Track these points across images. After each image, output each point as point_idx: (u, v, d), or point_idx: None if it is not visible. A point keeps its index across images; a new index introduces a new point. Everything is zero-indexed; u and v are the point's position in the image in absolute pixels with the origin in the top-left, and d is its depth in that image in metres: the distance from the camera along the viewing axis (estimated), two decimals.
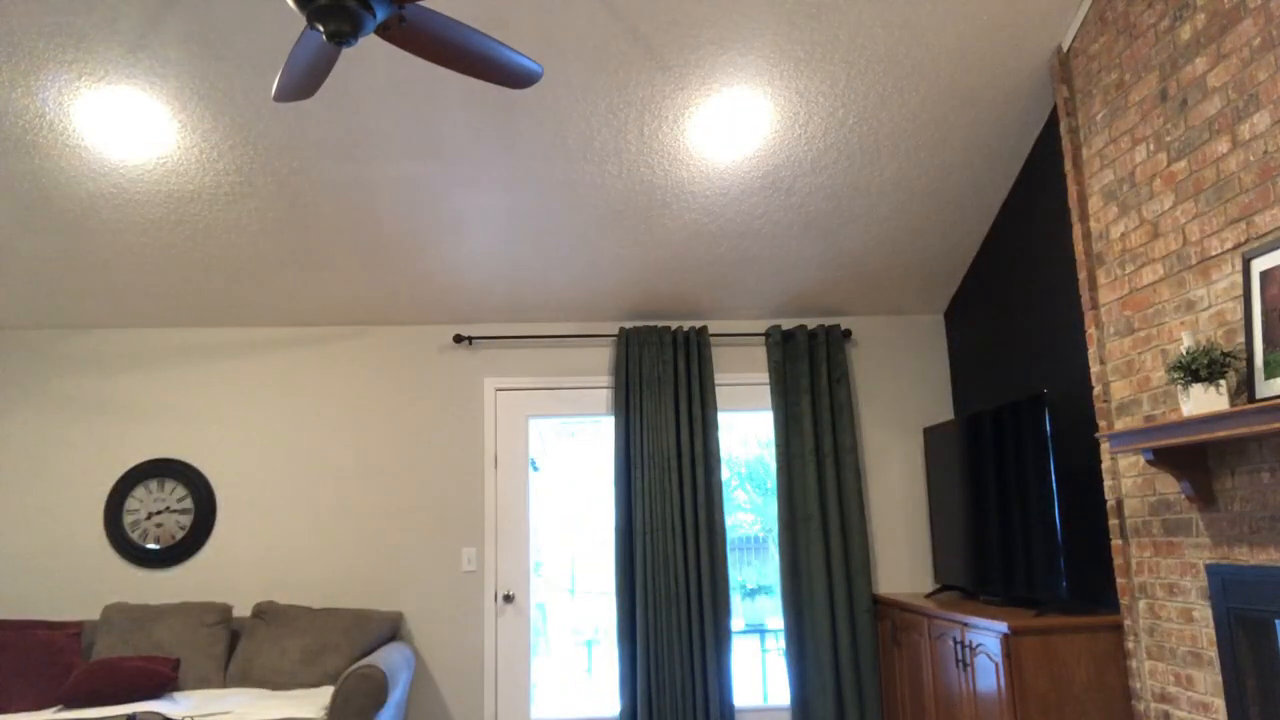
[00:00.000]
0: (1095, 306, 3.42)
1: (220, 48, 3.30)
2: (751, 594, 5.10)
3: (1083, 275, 3.46)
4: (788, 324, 5.08)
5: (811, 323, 5.09)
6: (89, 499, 4.67)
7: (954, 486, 4.38)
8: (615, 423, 4.74)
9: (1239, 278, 2.66)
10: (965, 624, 3.60)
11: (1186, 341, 2.76)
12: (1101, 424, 3.35)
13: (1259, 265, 2.56)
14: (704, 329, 4.86)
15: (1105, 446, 3.34)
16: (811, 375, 4.86)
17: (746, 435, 5.17)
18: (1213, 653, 2.82)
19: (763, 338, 5.03)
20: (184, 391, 4.80)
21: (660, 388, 4.76)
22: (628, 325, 4.98)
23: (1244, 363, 2.61)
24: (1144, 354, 3.14)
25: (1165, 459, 2.82)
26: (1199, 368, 2.63)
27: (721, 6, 3.27)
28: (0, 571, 4.59)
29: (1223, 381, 2.60)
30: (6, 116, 3.51)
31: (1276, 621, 2.64)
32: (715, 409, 4.77)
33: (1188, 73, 2.90)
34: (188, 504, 4.68)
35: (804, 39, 3.43)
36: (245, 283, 4.56)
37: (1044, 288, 4.00)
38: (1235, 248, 2.70)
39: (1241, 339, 2.64)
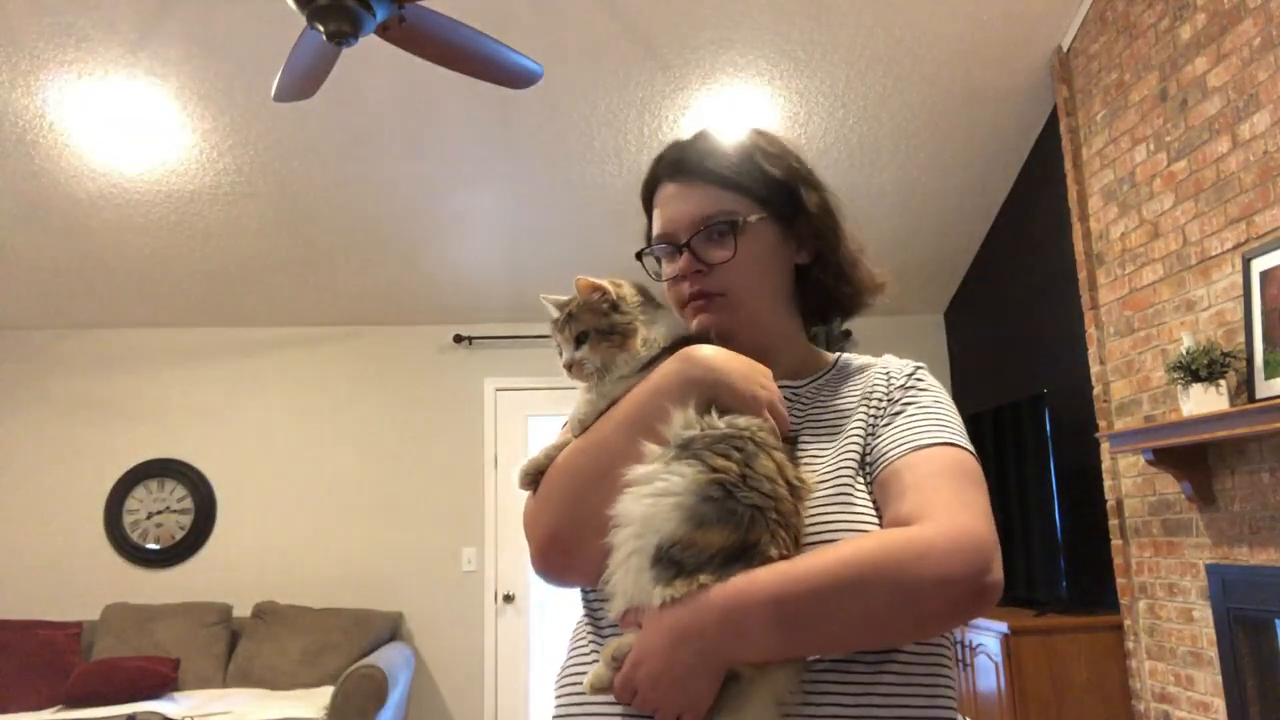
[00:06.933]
0: (1095, 306, 3.42)
1: (220, 48, 3.30)
2: None
3: (1083, 275, 3.46)
4: None
5: None
6: (89, 499, 4.66)
7: None
8: None
9: (1239, 278, 2.66)
10: (965, 624, 3.60)
11: (1186, 341, 2.76)
12: (1101, 424, 3.35)
13: (1259, 265, 2.56)
14: None
15: (1105, 446, 3.34)
16: None
17: None
18: (1213, 653, 2.82)
19: None
20: (184, 391, 4.80)
21: None
22: None
23: (1244, 363, 2.60)
24: (1144, 354, 3.14)
25: (1165, 459, 2.82)
26: (1199, 368, 2.63)
27: (722, 6, 3.27)
28: (0, 571, 4.58)
29: (1223, 381, 2.60)
30: (6, 116, 3.51)
31: (1276, 621, 2.64)
32: None
33: (1188, 73, 2.90)
34: (188, 504, 4.68)
35: (804, 39, 3.43)
36: (245, 283, 4.55)
37: (1044, 288, 4.00)
38: (1235, 248, 2.69)
39: (1241, 339, 2.63)
